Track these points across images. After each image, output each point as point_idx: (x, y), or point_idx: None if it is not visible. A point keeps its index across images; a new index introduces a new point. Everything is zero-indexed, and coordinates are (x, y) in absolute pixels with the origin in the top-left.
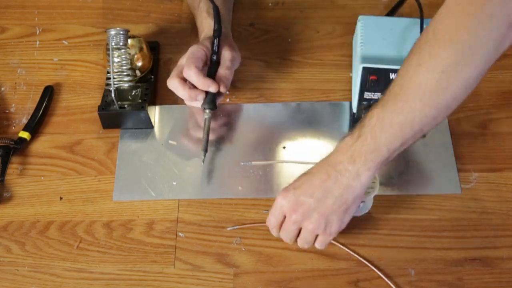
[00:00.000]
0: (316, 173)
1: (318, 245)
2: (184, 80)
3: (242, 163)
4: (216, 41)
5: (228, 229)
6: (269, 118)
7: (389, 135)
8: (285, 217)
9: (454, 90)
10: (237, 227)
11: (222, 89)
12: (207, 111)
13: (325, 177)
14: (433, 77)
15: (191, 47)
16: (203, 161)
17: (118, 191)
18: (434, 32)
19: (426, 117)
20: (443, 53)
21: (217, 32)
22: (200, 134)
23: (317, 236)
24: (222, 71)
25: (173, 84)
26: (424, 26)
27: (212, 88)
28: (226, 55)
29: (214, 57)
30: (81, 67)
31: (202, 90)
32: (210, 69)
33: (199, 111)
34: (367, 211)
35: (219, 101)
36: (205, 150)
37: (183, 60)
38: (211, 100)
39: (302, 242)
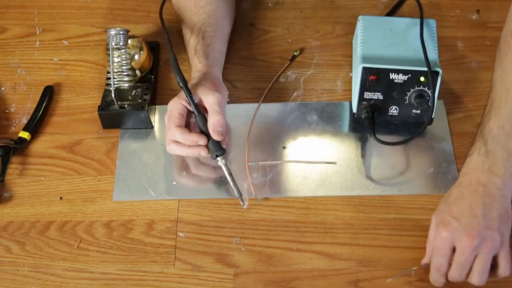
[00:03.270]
0: (465, 196)
1: (502, 267)
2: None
3: (249, 164)
4: (186, 92)
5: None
6: (269, 118)
7: None
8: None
9: None
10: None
11: (218, 138)
12: (219, 158)
13: (478, 196)
14: None
15: (169, 104)
16: (245, 206)
17: (118, 191)
18: None
19: None
20: None
21: (182, 82)
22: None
23: (493, 261)
24: (212, 119)
25: (172, 148)
26: (424, 26)
27: (201, 142)
28: (210, 99)
29: (195, 111)
30: (81, 67)
31: (200, 135)
32: (199, 122)
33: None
34: None
35: (226, 144)
36: (241, 194)
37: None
38: (216, 146)
39: (479, 275)
